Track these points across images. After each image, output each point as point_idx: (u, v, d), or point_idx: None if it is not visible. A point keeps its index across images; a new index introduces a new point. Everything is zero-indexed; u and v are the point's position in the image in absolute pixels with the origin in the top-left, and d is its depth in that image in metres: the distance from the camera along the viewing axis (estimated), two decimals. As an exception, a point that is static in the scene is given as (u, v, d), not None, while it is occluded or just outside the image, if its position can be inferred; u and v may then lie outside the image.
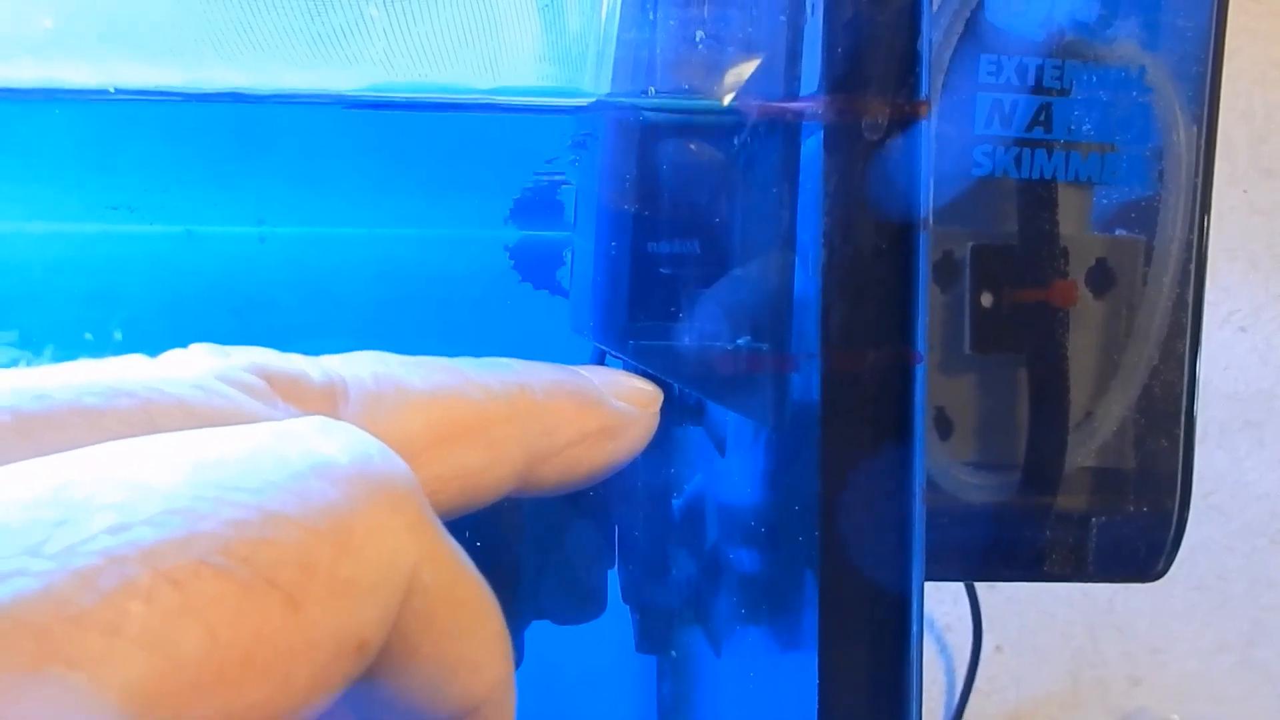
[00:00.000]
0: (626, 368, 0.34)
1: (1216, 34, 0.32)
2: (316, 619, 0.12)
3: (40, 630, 0.11)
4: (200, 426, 0.14)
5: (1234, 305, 1.00)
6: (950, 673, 0.98)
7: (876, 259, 0.28)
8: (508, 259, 0.44)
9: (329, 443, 0.14)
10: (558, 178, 0.40)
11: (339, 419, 0.16)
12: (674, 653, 0.42)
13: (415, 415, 0.17)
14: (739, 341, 0.31)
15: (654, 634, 0.40)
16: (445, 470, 0.18)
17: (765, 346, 0.31)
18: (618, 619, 0.39)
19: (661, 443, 0.39)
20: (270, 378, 0.16)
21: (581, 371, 0.22)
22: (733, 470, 0.38)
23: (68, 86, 0.28)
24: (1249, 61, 0.98)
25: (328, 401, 0.17)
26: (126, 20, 0.29)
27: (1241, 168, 0.99)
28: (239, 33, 0.29)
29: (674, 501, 0.40)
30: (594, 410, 0.21)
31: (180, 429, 0.14)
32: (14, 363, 0.37)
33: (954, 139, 0.31)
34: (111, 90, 0.28)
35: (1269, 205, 0.99)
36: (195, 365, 0.16)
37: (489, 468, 0.19)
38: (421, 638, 0.14)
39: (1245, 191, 0.99)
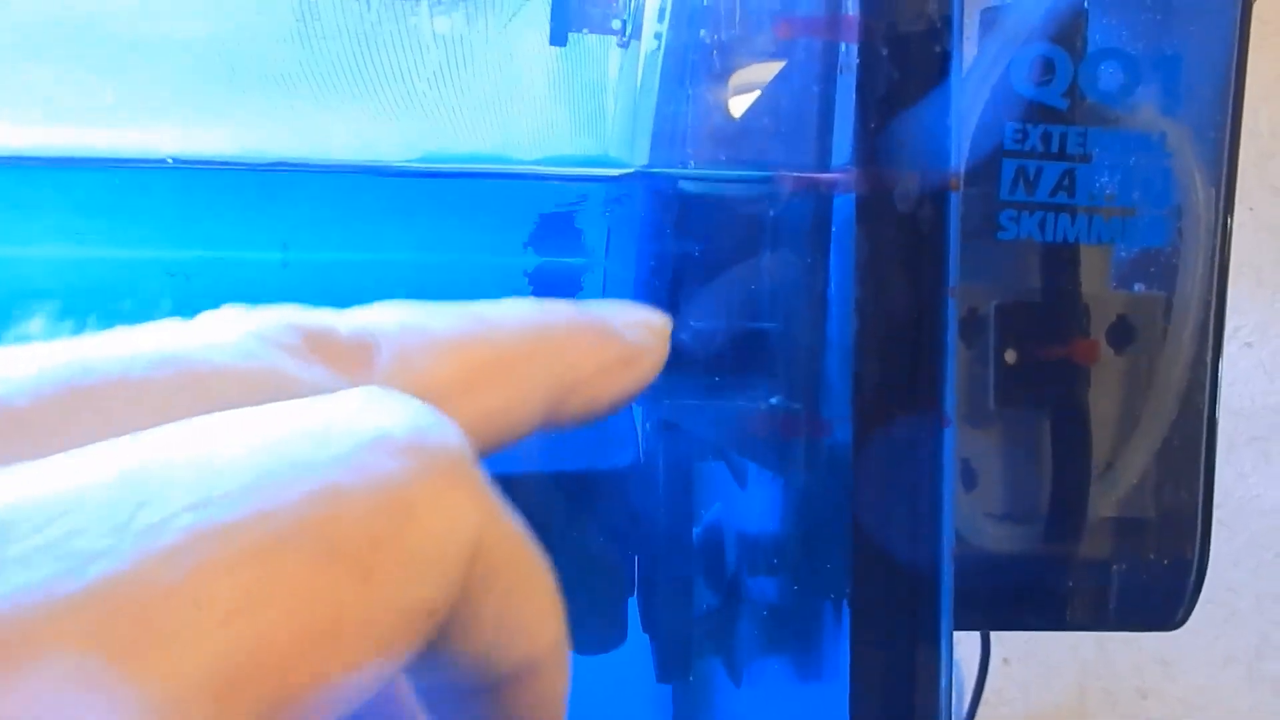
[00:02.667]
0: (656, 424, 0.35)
1: (1235, 99, 0.33)
2: (387, 590, 0.13)
3: (132, 608, 0.11)
4: (244, 390, 0.15)
5: (1240, 321, 1.00)
6: (958, 685, 0.98)
7: (907, 326, 0.29)
8: (526, 285, 0.45)
9: (383, 415, 0.14)
10: (576, 205, 0.40)
11: (372, 372, 0.17)
12: (693, 681, 0.42)
13: (444, 361, 0.18)
14: (771, 401, 0.32)
15: (674, 663, 0.41)
16: (476, 412, 0.18)
17: (798, 406, 0.32)
18: (638, 648, 0.40)
19: (683, 474, 0.39)
20: (304, 335, 0.17)
21: (593, 306, 0.22)
22: (755, 503, 0.39)
23: (125, 155, 0.29)
24: (1255, 77, 0.99)
25: (360, 354, 0.17)
26: (185, 88, 0.30)
27: (1247, 184, 0.99)
28: (295, 79, 0.30)
29: (694, 531, 0.40)
30: (611, 342, 0.21)
31: (225, 393, 0.15)
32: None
33: (979, 204, 0.32)
34: (169, 161, 0.28)
35: (1275, 221, 1.00)
36: (232, 327, 0.16)
37: (517, 405, 0.19)
38: (483, 601, 0.15)
39: (1251, 209, 1.00)
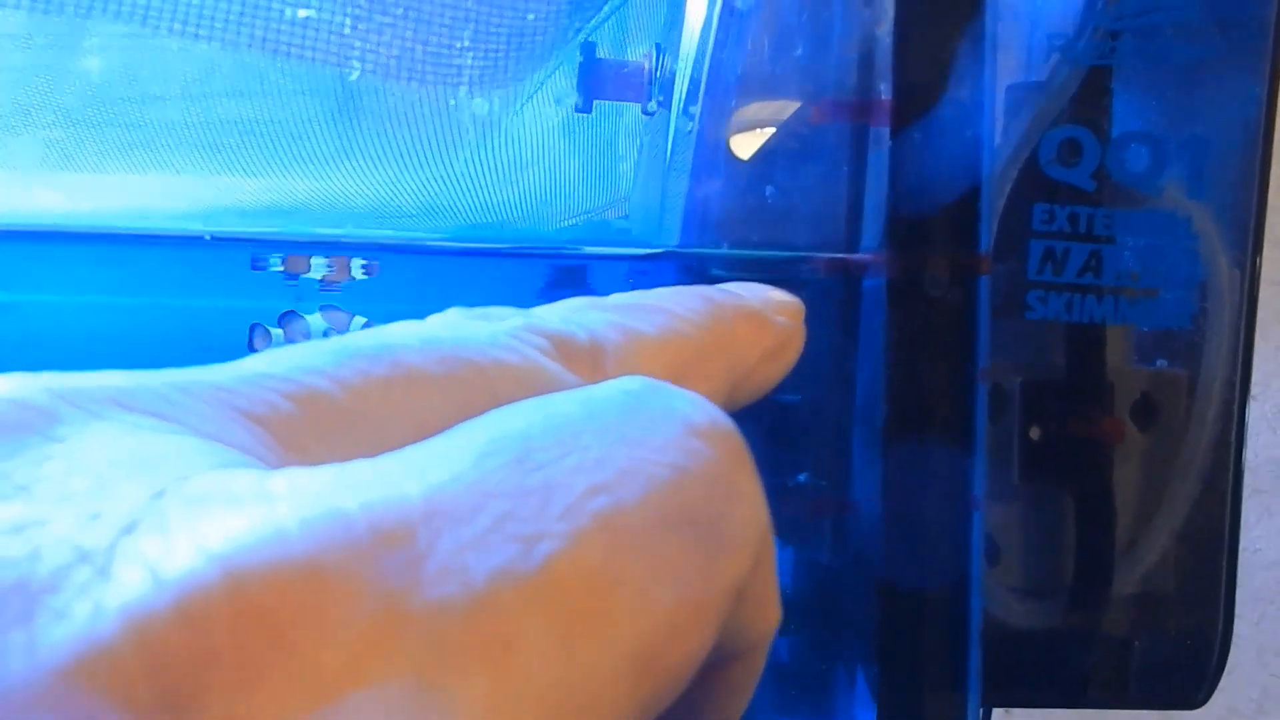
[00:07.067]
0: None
1: (1261, 181, 0.33)
2: (723, 569, 0.13)
3: (575, 584, 0.11)
4: (520, 387, 0.15)
5: (1243, 374, 1.00)
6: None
7: (936, 409, 0.29)
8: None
9: (677, 401, 0.14)
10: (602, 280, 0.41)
11: (605, 375, 0.16)
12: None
13: (654, 361, 0.18)
14: (799, 478, 0.32)
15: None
16: None
17: (825, 483, 0.32)
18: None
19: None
20: (549, 337, 0.17)
21: (738, 291, 0.22)
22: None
23: (170, 232, 0.29)
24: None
25: (592, 358, 0.17)
26: (228, 162, 0.30)
27: (1251, 238, 1.00)
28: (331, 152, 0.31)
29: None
30: (768, 329, 0.21)
31: (508, 390, 0.15)
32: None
33: (1006, 284, 0.32)
34: (207, 237, 0.29)
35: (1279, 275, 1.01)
36: (488, 327, 0.16)
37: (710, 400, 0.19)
38: (753, 582, 0.15)
39: (1255, 262, 1.00)
